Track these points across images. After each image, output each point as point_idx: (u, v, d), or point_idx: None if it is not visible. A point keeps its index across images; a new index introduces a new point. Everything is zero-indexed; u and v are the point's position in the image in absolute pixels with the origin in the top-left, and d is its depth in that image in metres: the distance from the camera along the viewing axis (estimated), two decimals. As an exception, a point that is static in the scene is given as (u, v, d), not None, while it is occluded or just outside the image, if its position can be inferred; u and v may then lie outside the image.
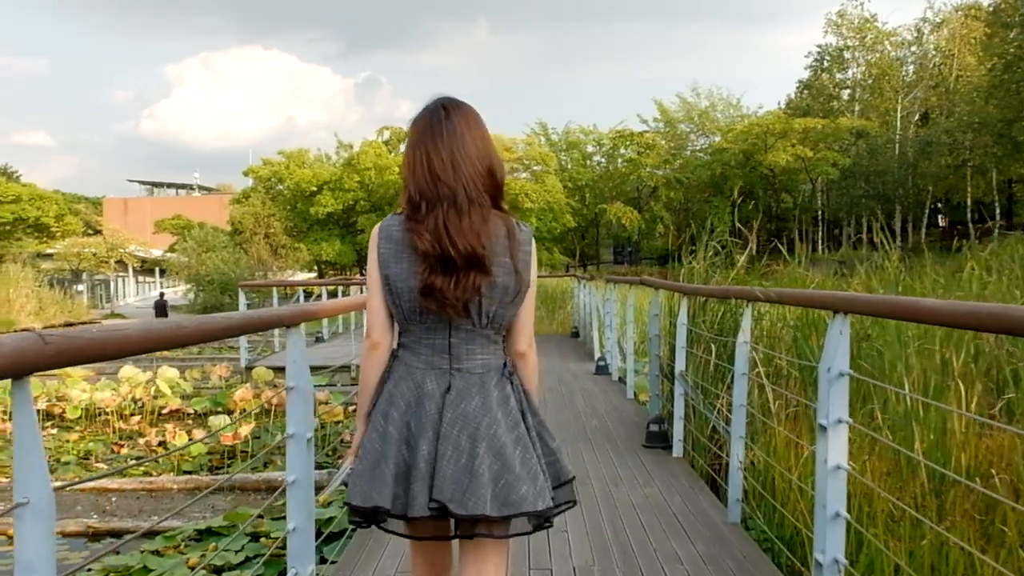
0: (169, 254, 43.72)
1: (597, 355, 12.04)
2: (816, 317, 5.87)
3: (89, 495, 7.00)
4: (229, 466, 7.67)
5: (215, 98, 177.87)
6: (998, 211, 36.92)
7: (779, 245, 7.73)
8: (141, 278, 57.43)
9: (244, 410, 8.63)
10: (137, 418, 9.30)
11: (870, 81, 42.90)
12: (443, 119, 1.97)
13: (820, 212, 43.94)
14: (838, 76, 45.18)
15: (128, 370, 10.50)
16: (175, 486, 7.06)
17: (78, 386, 9.79)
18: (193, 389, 10.65)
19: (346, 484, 2.03)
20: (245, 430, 7.69)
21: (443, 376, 1.96)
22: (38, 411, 9.88)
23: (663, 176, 43.29)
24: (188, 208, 61.93)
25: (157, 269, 53.20)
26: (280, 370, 12.06)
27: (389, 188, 38.26)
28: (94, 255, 44.27)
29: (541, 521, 1.99)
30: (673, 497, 4.80)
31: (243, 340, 12.49)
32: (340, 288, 18.15)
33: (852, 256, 41.45)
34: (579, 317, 16.11)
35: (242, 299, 14.08)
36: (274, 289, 14.93)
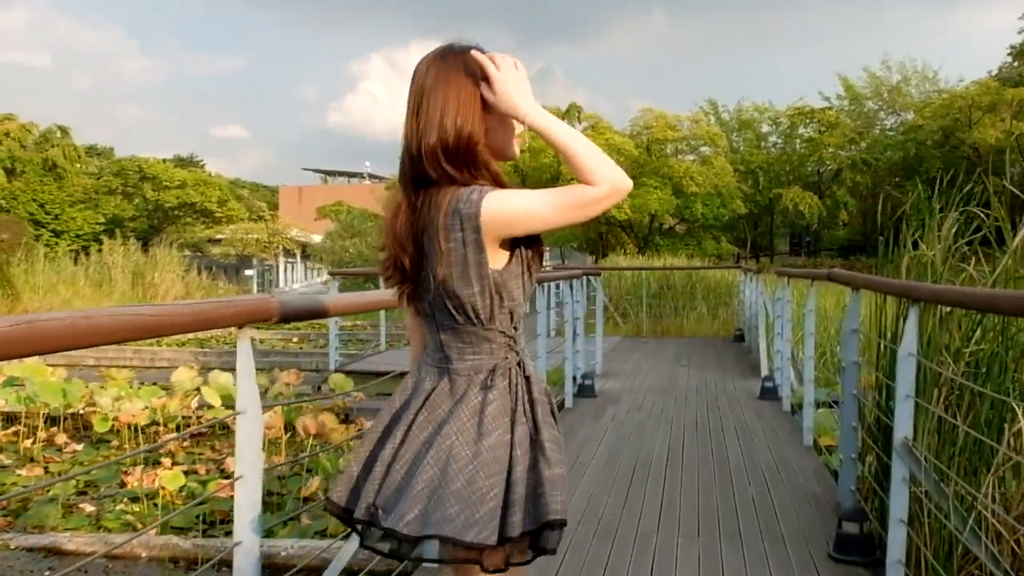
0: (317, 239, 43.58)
1: (764, 371, 9.29)
2: None
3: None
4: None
5: (395, 92, 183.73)
6: None
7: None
8: (310, 264, 58.32)
9: (274, 441, 6.57)
10: (174, 436, 7.45)
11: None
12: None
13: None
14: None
15: (183, 373, 8.73)
16: (145, 553, 5.03)
17: (112, 391, 8.05)
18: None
19: None
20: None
21: (437, 376, 1.78)
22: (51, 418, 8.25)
23: (847, 157, 38.61)
24: (357, 196, 62.43)
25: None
26: (372, 375, 10.05)
27: (544, 172, 36.04)
28: (257, 240, 44.71)
29: (463, 555, 1.61)
30: None
31: (333, 332, 10.54)
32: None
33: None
34: (744, 318, 13.26)
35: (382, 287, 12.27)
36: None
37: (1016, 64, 40.99)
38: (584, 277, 10.15)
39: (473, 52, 1.70)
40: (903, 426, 3.35)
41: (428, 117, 1.67)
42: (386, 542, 1.71)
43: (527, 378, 1.79)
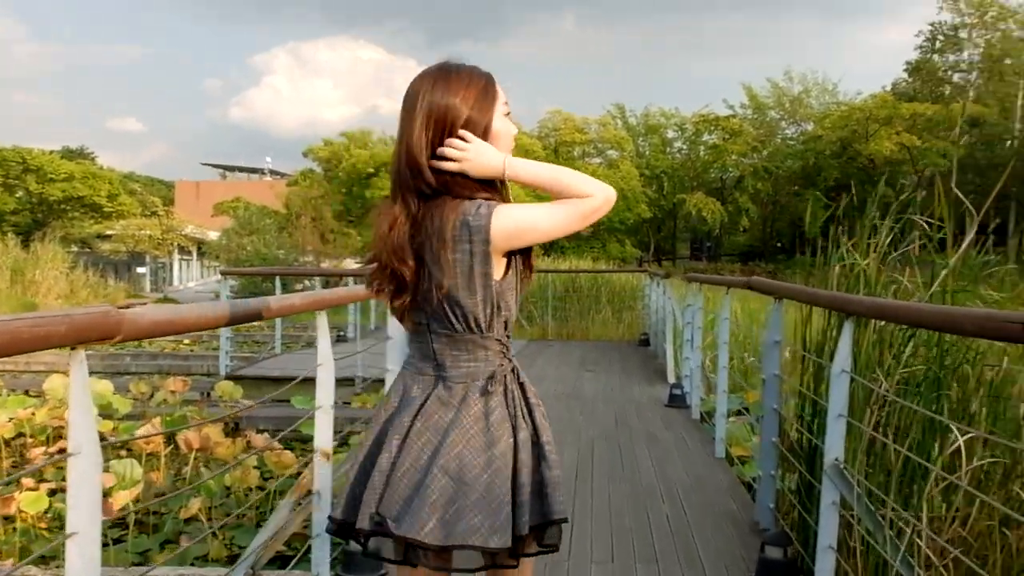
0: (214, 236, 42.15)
1: (671, 378, 9.14)
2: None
3: None
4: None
5: (302, 87, 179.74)
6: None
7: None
8: (206, 262, 56.42)
9: (153, 454, 6.03)
10: (41, 450, 6.79)
11: (989, 63, 38.72)
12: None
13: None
14: (952, 58, 41.05)
15: (57, 380, 8.03)
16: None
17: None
18: (135, 408, 8.08)
19: None
20: (129, 495, 5.01)
21: (428, 384, 1.81)
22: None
23: (750, 165, 39.46)
24: (257, 192, 60.76)
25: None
26: (270, 381, 9.51)
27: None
28: (150, 237, 42.92)
29: (488, 560, 1.72)
30: None
31: (224, 335, 9.94)
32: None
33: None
34: (650, 322, 13.17)
35: (278, 287, 11.68)
36: (277, 278, 12.37)
37: (911, 80, 42.64)
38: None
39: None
40: (834, 447, 3.14)
41: (436, 131, 1.73)
42: (390, 549, 1.75)
43: (521, 384, 1.85)
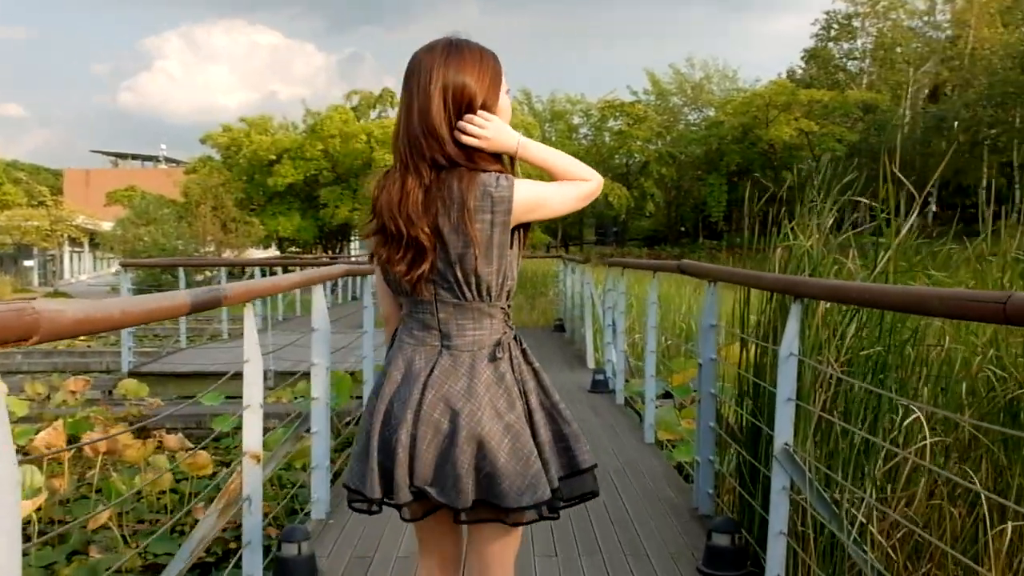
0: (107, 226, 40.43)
1: (591, 363, 9.11)
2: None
3: None
4: None
5: (196, 72, 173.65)
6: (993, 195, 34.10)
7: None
8: (99, 253, 54.16)
9: (55, 458, 5.63)
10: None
11: (881, 52, 40.13)
12: (409, 64, 1.83)
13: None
14: (846, 46, 42.41)
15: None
16: None
17: None
18: (31, 411, 7.57)
19: None
20: (31, 504, 4.65)
21: (432, 354, 1.85)
22: None
23: (654, 150, 40.01)
24: (152, 180, 58.63)
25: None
26: (176, 378, 9.07)
27: (355, 158, 35.00)
28: (37, 228, 40.86)
29: (525, 518, 1.82)
30: None
31: (127, 331, 9.42)
32: (299, 268, 15.22)
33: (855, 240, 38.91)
34: (564, 308, 13.13)
35: (182, 279, 11.14)
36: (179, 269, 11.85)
37: (808, 67, 43.87)
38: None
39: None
40: (783, 432, 3.09)
41: (454, 107, 1.77)
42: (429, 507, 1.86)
43: (524, 350, 1.91)
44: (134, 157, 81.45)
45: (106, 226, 46.87)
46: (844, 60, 43.37)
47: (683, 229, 45.84)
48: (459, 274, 1.78)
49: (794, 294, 3.07)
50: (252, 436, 2.94)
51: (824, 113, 37.28)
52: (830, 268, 3.39)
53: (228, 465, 6.67)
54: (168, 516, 5.15)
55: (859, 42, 42.52)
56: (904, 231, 3.27)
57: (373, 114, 38.55)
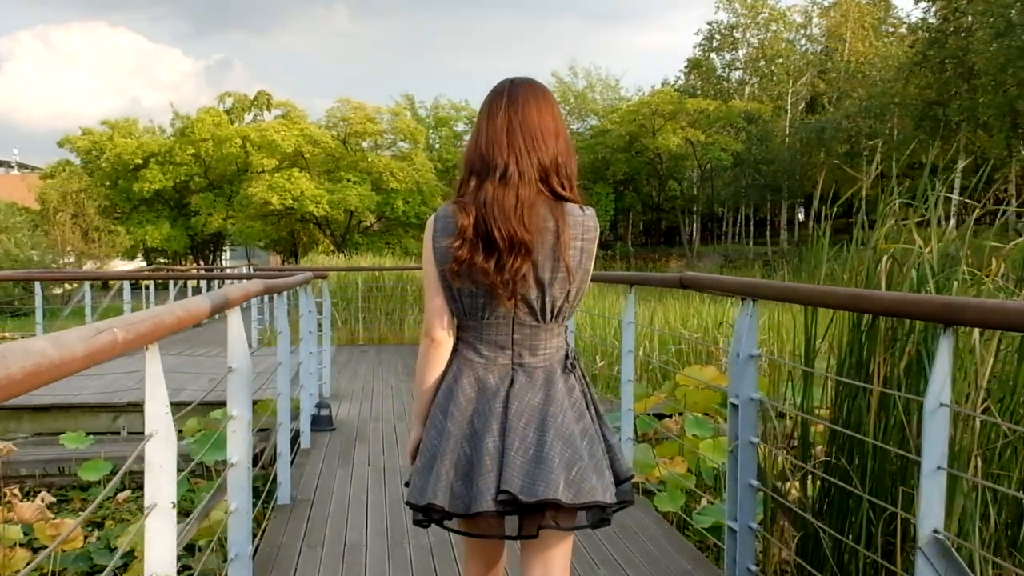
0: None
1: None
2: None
3: None
4: None
5: (53, 75, 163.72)
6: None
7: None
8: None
9: None
10: None
11: (762, 62, 40.88)
12: (506, 90, 1.95)
13: (710, 201, 41.15)
14: (728, 56, 43.04)
15: None
16: None
17: None
18: None
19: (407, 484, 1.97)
20: None
21: (506, 372, 1.90)
22: None
23: (541, 159, 39.54)
24: (3, 187, 54.49)
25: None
26: (30, 411, 7.57)
27: (230, 163, 33.01)
28: None
29: (601, 517, 1.94)
30: None
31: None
32: (172, 282, 13.72)
33: (736, 250, 39.48)
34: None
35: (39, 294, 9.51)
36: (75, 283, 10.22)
37: (691, 76, 44.35)
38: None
39: None
40: (932, 514, 2.18)
41: (566, 142, 1.94)
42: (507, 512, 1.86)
43: (578, 363, 2.03)
44: (-19, 162, 75.95)
45: (-51, 236, 42.97)
46: (727, 71, 44.05)
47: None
48: (545, 297, 1.87)
49: (945, 322, 2.17)
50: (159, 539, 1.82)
51: (709, 123, 37.57)
52: (963, 283, 2.50)
53: (101, 526, 5.36)
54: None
55: (740, 52, 43.25)
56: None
57: (248, 117, 36.58)
